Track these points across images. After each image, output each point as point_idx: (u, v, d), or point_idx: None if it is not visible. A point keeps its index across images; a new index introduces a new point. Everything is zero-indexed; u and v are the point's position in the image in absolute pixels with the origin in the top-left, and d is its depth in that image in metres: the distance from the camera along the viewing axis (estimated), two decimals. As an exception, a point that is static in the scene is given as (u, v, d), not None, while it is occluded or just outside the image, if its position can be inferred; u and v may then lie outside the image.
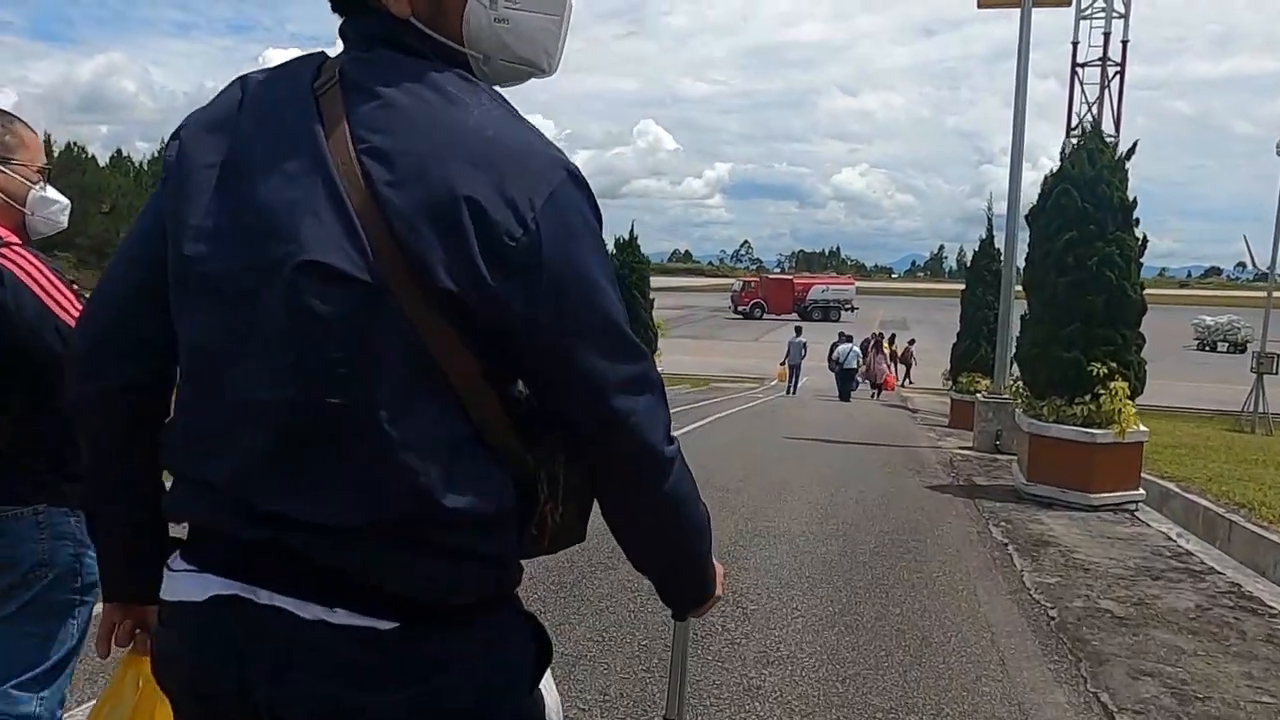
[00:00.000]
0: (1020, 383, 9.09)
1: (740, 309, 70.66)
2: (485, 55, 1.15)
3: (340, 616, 1.04)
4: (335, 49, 1.17)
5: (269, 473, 1.05)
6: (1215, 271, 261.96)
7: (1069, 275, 8.37)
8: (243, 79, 1.16)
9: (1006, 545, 6.68)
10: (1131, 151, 8.57)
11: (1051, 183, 8.68)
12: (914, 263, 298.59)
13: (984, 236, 17.10)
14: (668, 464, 1.15)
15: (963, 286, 18.23)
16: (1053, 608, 5.17)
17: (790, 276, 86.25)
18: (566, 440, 1.15)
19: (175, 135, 1.15)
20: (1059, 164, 8.79)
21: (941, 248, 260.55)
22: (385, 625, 1.05)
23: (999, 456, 11.82)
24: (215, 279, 1.06)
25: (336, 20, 1.17)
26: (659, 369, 1.21)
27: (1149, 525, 7.72)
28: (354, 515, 1.03)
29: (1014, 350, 10.30)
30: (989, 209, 16.97)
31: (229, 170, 1.07)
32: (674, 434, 1.17)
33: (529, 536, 1.16)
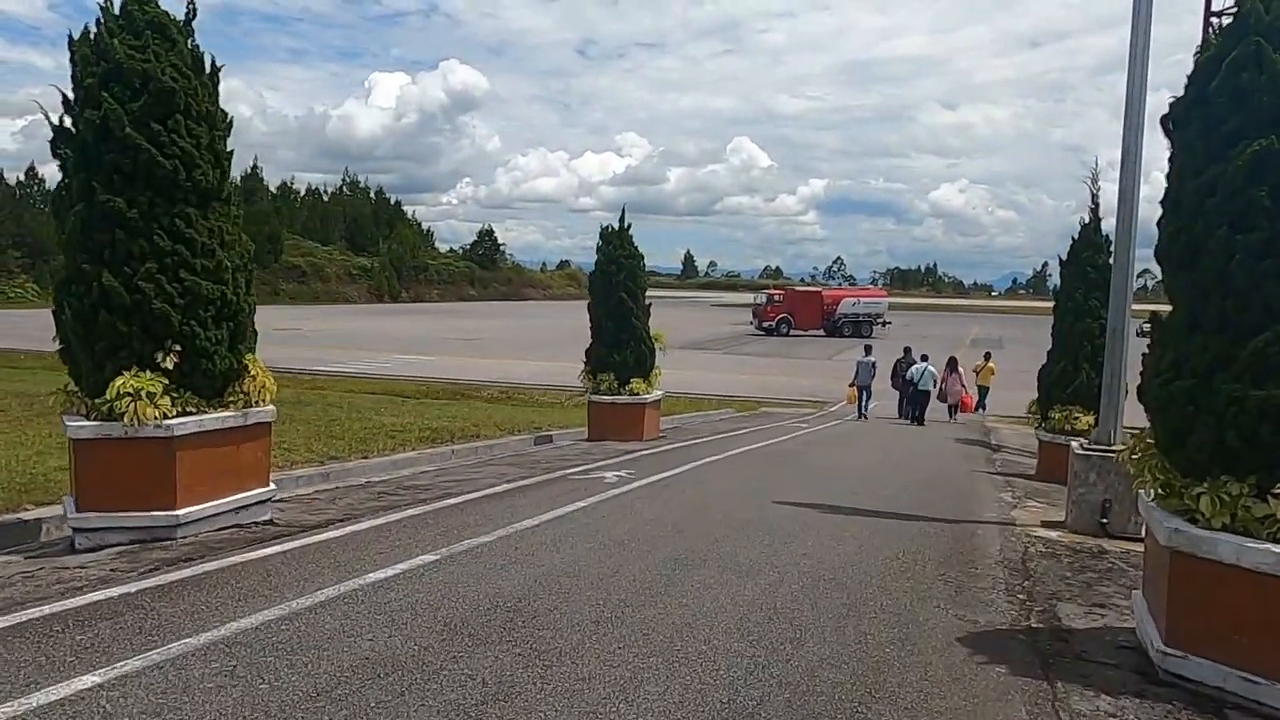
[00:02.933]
0: (1147, 442, 4.72)
1: (765, 325, 62.47)
2: None
3: None
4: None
5: None
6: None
7: (1258, 230, 4.04)
8: None
9: None
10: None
11: (1217, 46, 4.34)
12: (1015, 280, 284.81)
13: (1086, 219, 12.47)
14: None
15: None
16: None
17: (819, 289, 77.23)
18: None
19: None
20: (1233, 7, 4.46)
21: (1045, 265, 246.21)
22: None
23: (1107, 548, 7.38)
24: None
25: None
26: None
27: None
28: None
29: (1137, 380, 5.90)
30: (1093, 179, 12.34)
31: None
32: None
33: None
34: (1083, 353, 12.11)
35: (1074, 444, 8.47)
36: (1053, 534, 7.89)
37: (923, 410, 23.16)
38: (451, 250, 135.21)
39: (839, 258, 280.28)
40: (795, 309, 63.24)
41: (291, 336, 46.74)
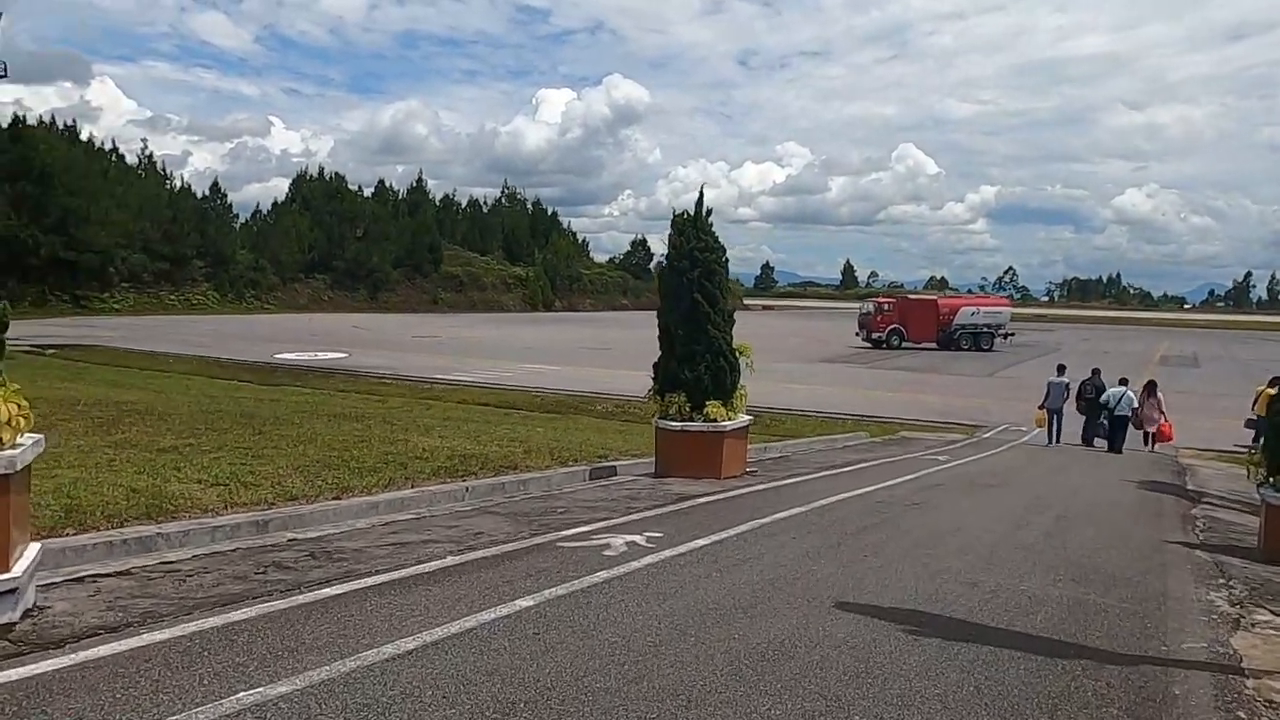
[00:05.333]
0: None
1: (874, 337, 55.94)
2: None
3: None
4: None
5: None
6: None
7: None
8: None
9: None
10: None
11: None
12: (1212, 292, 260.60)
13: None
14: None
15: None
16: None
17: (934, 297, 68.58)
18: None
19: None
20: None
21: (1248, 275, 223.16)
22: None
23: None
24: None
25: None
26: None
27: None
28: None
29: None
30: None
31: None
32: None
33: None
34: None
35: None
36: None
37: (1122, 438, 20.62)
38: (610, 260, 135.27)
39: (1010, 268, 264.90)
40: (907, 319, 56.69)
41: (427, 344, 46.35)
